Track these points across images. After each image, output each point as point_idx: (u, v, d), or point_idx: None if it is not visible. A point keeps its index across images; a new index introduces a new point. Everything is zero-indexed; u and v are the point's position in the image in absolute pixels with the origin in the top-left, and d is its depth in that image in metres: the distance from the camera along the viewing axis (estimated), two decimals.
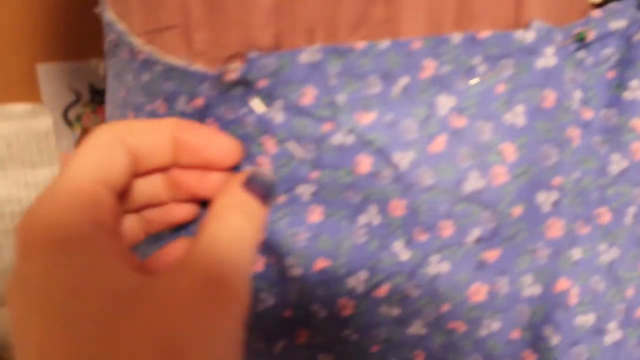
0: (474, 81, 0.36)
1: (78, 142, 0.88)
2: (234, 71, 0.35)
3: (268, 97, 0.35)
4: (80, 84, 0.86)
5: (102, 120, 0.89)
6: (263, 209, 0.35)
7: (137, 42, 0.40)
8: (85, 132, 0.88)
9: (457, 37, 0.35)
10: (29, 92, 0.85)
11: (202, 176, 0.37)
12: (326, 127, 0.35)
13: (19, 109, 0.85)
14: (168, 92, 0.39)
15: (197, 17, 0.37)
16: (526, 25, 0.37)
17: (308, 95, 0.35)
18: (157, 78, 0.39)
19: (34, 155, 0.85)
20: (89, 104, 0.87)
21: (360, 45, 0.35)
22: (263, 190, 0.35)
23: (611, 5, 0.40)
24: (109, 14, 0.44)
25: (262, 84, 0.35)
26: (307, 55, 0.35)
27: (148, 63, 0.39)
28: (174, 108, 0.39)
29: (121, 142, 0.34)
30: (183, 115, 0.39)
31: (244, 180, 0.35)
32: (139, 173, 0.36)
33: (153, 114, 0.40)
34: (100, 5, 0.46)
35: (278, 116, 0.36)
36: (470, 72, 0.36)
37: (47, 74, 0.84)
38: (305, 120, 0.35)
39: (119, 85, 0.44)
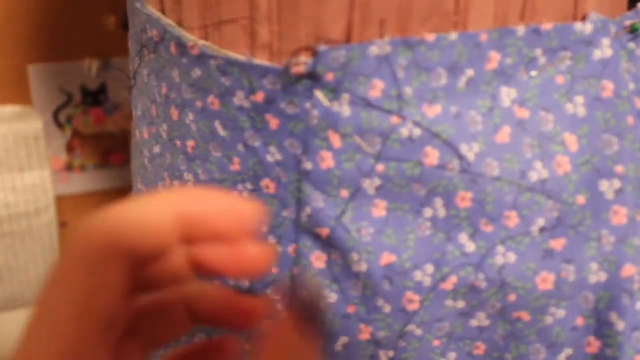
0: (535, 73, 0.37)
1: (69, 144, 0.87)
2: (302, 64, 0.36)
3: (334, 91, 0.36)
4: (71, 85, 0.85)
5: (94, 122, 0.87)
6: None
7: (189, 36, 0.40)
8: (76, 133, 0.87)
9: (521, 30, 0.36)
10: (19, 94, 0.84)
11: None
12: (393, 120, 0.36)
13: (7, 112, 0.84)
14: (224, 88, 0.39)
15: (266, 10, 0.37)
16: (584, 18, 0.38)
17: (376, 89, 0.35)
18: (213, 73, 0.39)
19: (23, 159, 0.84)
20: (80, 106, 0.86)
21: (430, 37, 0.35)
22: (314, 314, 0.25)
23: None
24: (149, 9, 0.43)
25: (330, 77, 0.35)
26: (377, 48, 0.35)
27: (202, 58, 0.39)
28: (230, 103, 0.39)
29: (115, 254, 0.24)
30: (240, 110, 0.38)
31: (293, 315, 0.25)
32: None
33: (204, 110, 0.40)
34: (135, 1, 0.45)
35: (344, 110, 0.36)
36: (532, 64, 0.37)
37: (38, 75, 0.83)
38: (372, 114, 0.36)
39: (159, 82, 0.44)
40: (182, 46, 0.40)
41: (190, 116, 0.41)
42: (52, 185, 0.85)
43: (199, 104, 0.40)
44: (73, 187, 0.90)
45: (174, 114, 0.43)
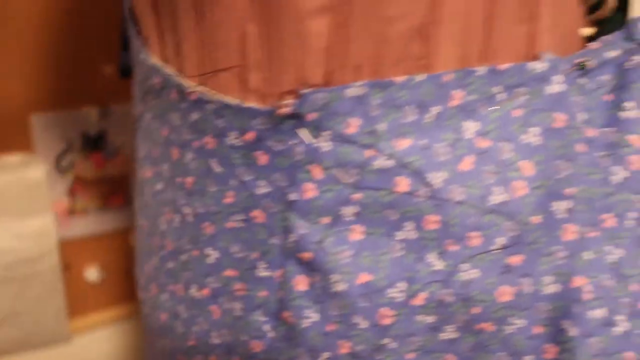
0: (494, 107, 0.41)
1: (71, 188, 0.91)
2: (288, 106, 0.40)
3: (316, 129, 0.40)
4: (72, 132, 0.89)
5: (94, 166, 0.92)
6: None
7: (188, 83, 0.45)
8: (77, 178, 0.91)
9: (481, 70, 0.41)
10: (22, 142, 0.87)
11: None
12: (368, 153, 0.40)
13: (11, 160, 0.87)
14: (219, 129, 0.43)
15: (255, 59, 0.41)
16: (538, 57, 0.42)
17: (353, 126, 0.40)
18: (208, 116, 0.44)
19: (26, 205, 0.87)
20: (80, 151, 0.90)
21: (400, 79, 0.40)
22: None
23: (605, 38, 0.46)
24: (152, 59, 0.48)
25: (312, 116, 0.40)
26: (354, 90, 0.39)
27: (199, 102, 0.44)
28: (224, 142, 0.43)
29: None
30: (233, 148, 0.43)
31: None
32: None
33: (201, 150, 0.45)
34: (140, 53, 0.50)
35: (325, 145, 0.40)
36: (491, 99, 0.41)
37: (41, 123, 0.87)
38: (349, 148, 0.40)
39: (161, 125, 0.49)
40: (181, 92, 0.45)
41: (189, 155, 0.46)
42: (55, 229, 0.89)
43: (196, 143, 0.45)
44: (76, 230, 0.93)
45: (175, 153, 0.47)
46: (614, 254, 0.43)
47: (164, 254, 0.51)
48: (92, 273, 0.96)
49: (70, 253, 0.94)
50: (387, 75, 0.40)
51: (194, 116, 0.45)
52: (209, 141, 0.44)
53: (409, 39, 0.40)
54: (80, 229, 0.94)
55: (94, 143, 0.92)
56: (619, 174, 0.44)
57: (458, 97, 0.41)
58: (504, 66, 0.41)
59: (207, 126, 0.44)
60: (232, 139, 0.43)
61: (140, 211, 0.56)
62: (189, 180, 0.47)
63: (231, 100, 0.43)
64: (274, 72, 0.41)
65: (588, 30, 0.49)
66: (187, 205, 0.47)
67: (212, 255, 0.46)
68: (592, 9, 0.51)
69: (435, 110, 0.40)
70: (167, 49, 0.47)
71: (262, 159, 0.42)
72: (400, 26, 0.39)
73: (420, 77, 0.40)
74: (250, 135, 0.42)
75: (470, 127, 0.41)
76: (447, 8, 0.40)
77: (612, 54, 0.45)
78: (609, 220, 0.43)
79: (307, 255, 0.42)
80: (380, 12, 0.39)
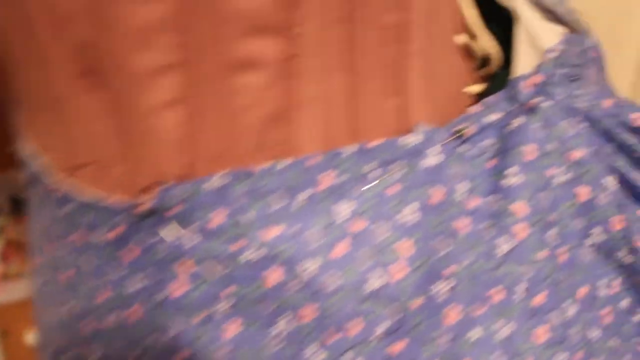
0: (368, 186, 0.39)
1: (3, 253, 0.89)
2: (146, 203, 0.38)
3: (180, 224, 0.38)
4: (0, 196, 0.87)
5: (26, 229, 0.89)
6: None
7: (57, 176, 0.43)
8: (9, 242, 0.89)
9: (349, 149, 0.39)
10: None
11: None
12: (237, 246, 0.38)
13: None
14: (86, 225, 0.41)
15: (113, 154, 0.39)
16: (411, 129, 0.41)
17: (218, 218, 0.38)
18: (75, 212, 0.42)
19: None
20: (11, 215, 0.88)
21: (262, 167, 0.38)
22: None
23: (487, 100, 0.45)
24: (28, 149, 0.46)
25: (174, 211, 0.38)
26: (214, 182, 0.38)
27: (65, 199, 0.42)
28: (91, 240, 0.42)
29: None
30: (100, 246, 0.41)
31: None
32: None
33: (71, 246, 0.43)
34: (18, 141, 0.48)
35: (192, 240, 0.38)
36: (364, 178, 0.39)
37: None
38: (217, 241, 0.38)
39: (39, 215, 0.47)
40: (48, 187, 0.43)
41: (62, 251, 0.44)
42: None
43: (67, 239, 0.43)
44: (11, 295, 0.91)
45: (51, 247, 0.45)
46: (505, 329, 0.41)
47: (53, 350, 0.49)
48: (31, 337, 0.94)
49: (8, 319, 0.92)
50: (249, 163, 0.38)
51: (62, 212, 0.43)
52: (78, 238, 0.42)
53: (266, 125, 0.38)
54: (16, 293, 0.91)
55: (23, 206, 0.89)
56: (503, 246, 0.42)
57: (327, 179, 0.39)
58: (373, 143, 0.39)
59: (75, 222, 0.42)
60: (100, 236, 0.41)
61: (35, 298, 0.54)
62: (63, 276, 0.44)
63: (94, 196, 0.41)
64: (132, 167, 0.39)
65: (476, 88, 0.47)
66: (65, 303, 0.45)
67: (94, 356, 0.44)
68: (482, 64, 0.49)
69: (303, 195, 0.39)
70: (42, 137, 0.45)
71: (130, 256, 0.40)
72: (254, 114, 0.38)
73: (283, 164, 0.38)
74: (116, 232, 0.40)
75: (342, 210, 0.39)
76: (304, 93, 0.38)
77: (493, 117, 0.44)
78: (497, 295, 0.42)
79: (184, 354, 0.40)
80: (230, 102, 0.37)
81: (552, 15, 0.51)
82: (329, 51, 0.38)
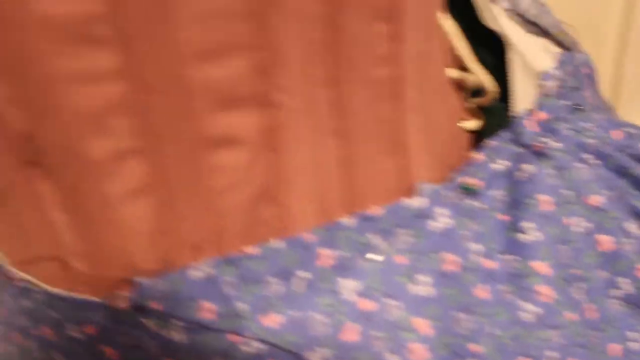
0: (371, 255, 0.35)
1: None
2: (123, 298, 0.33)
3: (163, 319, 0.33)
4: None
5: None
6: None
7: (13, 270, 0.38)
8: None
9: (349, 220, 0.34)
10: None
11: None
12: (232, 339, 0.33)
13: None
14: (54, 319, 0.36)
15: (71, 247, 0.34)
16: (412, 188, 0.36)
17: (206, 310, 0.33)
18: (39, 305, 0.37)
19: None
20: None
21: (253, 250, 0.33)
22: None
23: (489, 144, 0.40)
24: None
25: (155, 306, 0.33)
26: (198, 271, 0.33)
27: (26, 291, 0.37)
28: (63, 334, 0.36)
29: None
30: (75, 341, 0.36)
31: None
32: None
33: (41, 339, 0.38)
34: None
35: (178, 336, 0.34)
36: (367, 249, 0.35)
37: None
38: (208, 336, 0.33)
39: (1, 303, 0.42)
40: (8, 277, 0.38)
41: (31, 342, 0.39)
42: None
43: (34, 332, 0.38)
44: None
45: (17, 338, 0.40)
46: None
47: None
48: None
49: None
50: (236, 248, 0.34)
51: (26, 303, 0.38)
52: (47, 331, 0.37)
53: (253, 205, 0.33)
54: None
55: None
56: (528, 310, 0.37)
57: (327, 255, 0.34)
58: (375, 211, 0.35)
59: (41, 316, 0.37)
60: (72, 331, 0.36)
61: None
62: None
63: (59, 291, 0.36)
64: (98, 261, 0.34)
65: (472, 124, 0.43)
66: None
67: None
68: (474, 94, 0.45)
69: (302, 275, 0.34)
70: None
71: (111, 353, 0.35)
72: (238, 194, 0.33)
73: (276, 244, 0.33)
74: (90, 329, 0.35)
75: (348, 286, 0.35)
76: (292, 165, 0.33)
77: (500, 165, 0.39)
78: None
79: None
80: (208, 185, 0.32)
81: (537, 29, 0.47)
82: (316, 116, 0.34)
